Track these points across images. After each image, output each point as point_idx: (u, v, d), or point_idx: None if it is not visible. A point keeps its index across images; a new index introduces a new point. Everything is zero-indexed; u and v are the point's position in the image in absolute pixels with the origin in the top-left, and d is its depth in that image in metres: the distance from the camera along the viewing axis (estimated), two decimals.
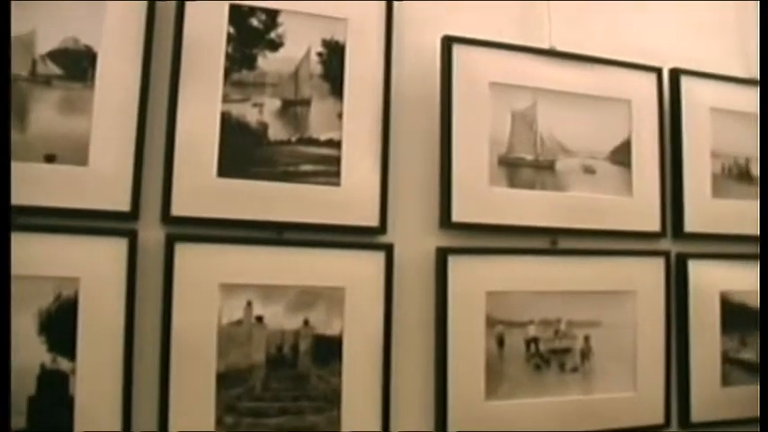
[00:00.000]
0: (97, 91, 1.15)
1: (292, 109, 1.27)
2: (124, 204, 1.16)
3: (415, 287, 1.36)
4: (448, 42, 1.38)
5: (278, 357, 1.26)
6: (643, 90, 1.56)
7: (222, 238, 1.22)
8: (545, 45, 1.49)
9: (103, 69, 1.16)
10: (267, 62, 1.26)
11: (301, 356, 1.27)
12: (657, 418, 1.53)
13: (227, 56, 1.24)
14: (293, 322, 1.26)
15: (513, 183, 1.42)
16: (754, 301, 1.62)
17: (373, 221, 1.31)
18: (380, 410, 1.31)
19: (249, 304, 1.24)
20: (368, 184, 1.30)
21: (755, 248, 1.63)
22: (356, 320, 1.30)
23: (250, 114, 1.25)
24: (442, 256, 1.35)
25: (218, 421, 1.21)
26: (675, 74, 1.60)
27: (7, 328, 0.91)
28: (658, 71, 1.58)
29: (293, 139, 1.27)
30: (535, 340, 1.42)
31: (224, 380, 1.22)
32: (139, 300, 1.18)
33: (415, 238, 1.36)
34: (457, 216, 1.35)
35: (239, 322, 1.23)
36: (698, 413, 1.56)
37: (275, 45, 1.27)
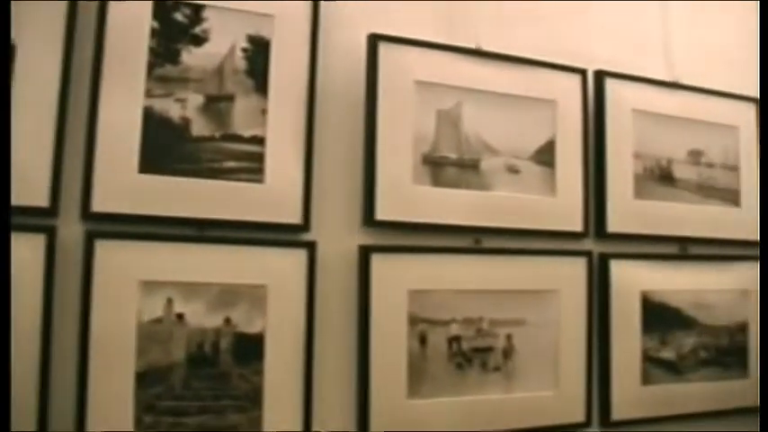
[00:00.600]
0: (16, 85, 1.38)
1: (216, 105, 1.54)
2: (43, 200, 1.40)
3: (338, 285, 1.65)
4: (374, 40, 1.69)
5: (199, 356, 1.52)
6: (568, 91, 1.91)
7: (143, 235, 1.48)
8: (471, 45, 1.82)
9: (23, 64, 1.39)
10: (191, 57, 1.53)
11: (222, 355, 1.54)
12: (578, 416, 1.88)
13: (151, 50, 1.49)
14: (214, 320, 1.53)
15: (437, 181, 1.74)
16: (675, 300, 2.01)
17: (296, 219, 1.59)
18: (302, 409, 1.58)
19: (170, 302, 1.50)
20: (291, 182, 1.59)
21: (676, 249, 2.02)
22: (278, 319, 1.58)
23: (173, 110, 1.51)
24: (365, 254, 1.65)
25: (137, 421, 1.46)
26: (600, 75, 1.96)
27: (7, 328, 1.10)
28: (583, 72, 1.94)
29: (216, 135, 1.54)
30: (457, 339, 1.75)
31: (143, 378, 1.47)
32: (58, 297, 1.41)
33: (338, 235, 1.66)
34: (380, 214, 1.65)
35: (159, 320, 1.49)
36: (618, 411, 1.93)
37: (200, 40, 1.54)
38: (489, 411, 1.77)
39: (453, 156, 1.76)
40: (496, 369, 1.78)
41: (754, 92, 2.22)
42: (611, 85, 1.96)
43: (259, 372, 1.55)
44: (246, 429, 1.53)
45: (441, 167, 1.74)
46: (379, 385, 1.65)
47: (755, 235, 2.16)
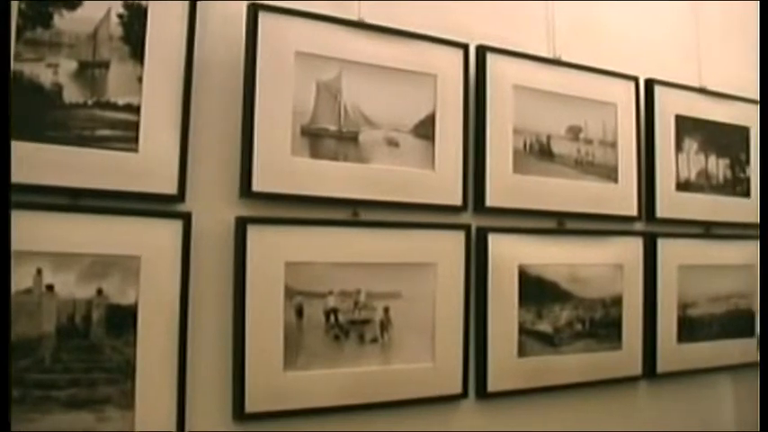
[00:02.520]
0: None
1: (90, 71, 1.75)
2: None
3: (214, 257, 1.90)
4: (254, 9, 1.93)
5: (69, 328, 1.72)
6: (449, 65, 2.22)
7: (13, 204, 1.67)
8: (354, 17, 2.09)
9: None
10: (64, 21, 1.73)
11: (94, 327, 1.74)
12: (455, 388, 2.21)
13: (21, 12, 1.67)
14: (86, 291, 1.74)
15: (315, 153, 2.01)
16: (551, 274, 2.38)
17: (171, 189, 1.82)
18: (176, 382, 1.81)
19: (39, 272, 1.70)
20: (167, 151, 1.82)
21: (553, 223, 2.39)
22: (152, 290, 1.80)
23: (44, 75, 1.70)
24: (242, 225, 1.91)
25: None
26: (481, 51, 2.28)
27: (7, 328, 1.25)
28: (465, 47, 2.25)
29: (90, 102, 1.75)
30: (334, 311, 2.04)
31: (11, 351, 1.66)
32: None
33: (214, 206, 1.90)
34: (257, 186, 1.91)
35: (28, 291, 1.68)
36: (494, 383, 2.28)
37: (73, 4, 1.73)
38: (366, 383, 2.06)
39: (332, 128, 2.04)
40: (374, 341, 2.08)
41: (633, 70, 2.61)
42: (492, 60, 2.29)
43: (131, 344, 1.77)
44: (118, 402, 1.75)
45: (319, 139, 2.01)
46: (256, 358, 1.91)
47: (632, 210, 2.58)
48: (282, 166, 1.94)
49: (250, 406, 1.90)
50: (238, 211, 1.92)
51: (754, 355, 2.33)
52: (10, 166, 1.47)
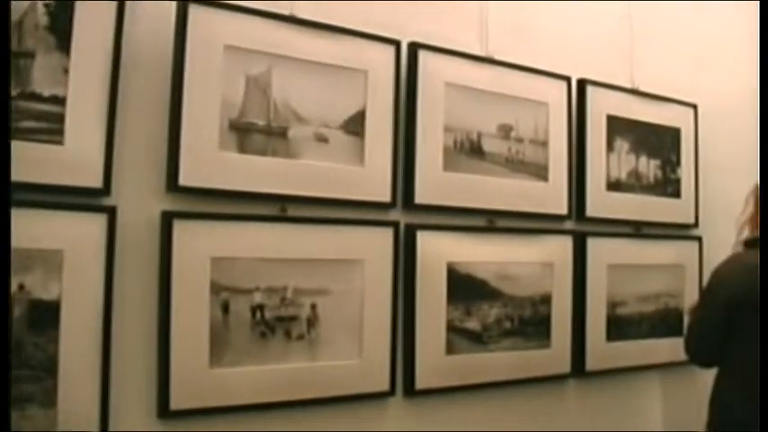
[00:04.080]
0: None
1: (14, 61, 1.82)
2: None
3: (139, 251, 1.99)
4: (184, 2, 2.01)
5: None
6: (380, 62, 2.34)
7: None
8: (285, 11, 2.20)
9: None
10: None
11: (15, 323, 1.80)
12: (383, 385, 2.34)
13: None
14: None
15: (243, 148, 2.11)
16: (480, 272, 2.53)
17: (97, 183, 1.90)
18: (100, 380, 1.89)
19: None
20: (93, 144, 1.90)
21: (483, 221, 2.54)
22: (75, 285, 1.87)
23: None
24: (168, 220, 2.00)
25: None
26: (413, 48, 2.42)
27: (7, 328, 1.29)
28: (397, 44, 2.38)
29: (14, 93, 1.82)
30: (261, 307, 2.15)
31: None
32: None
33: (140, 201, 1.99)
34: (184, 180, 2.00)
35: None
36: (422, 381, 2.42)
37: None
38: (293, 380, 2.17)
39: (261, 122, 2.14)
40: (300, 338, 2.20)
41: (566, 69, 2.78)
42: (424, 57, 2.42)
43: (54, 340, 1.84)
44: (40, 400, 1.81)
45: (248, 134, 2.12)
46: (181, 354, 2.00)
47: (562, 209, 2.74)
48: (210, 161, 2.04)
49: (175, 403, 1.99)
50: (164, 205, 2.01)
51: (682, 354, 2.52)
52: (10, 166, 1.56)
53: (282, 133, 2.16)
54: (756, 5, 3.27)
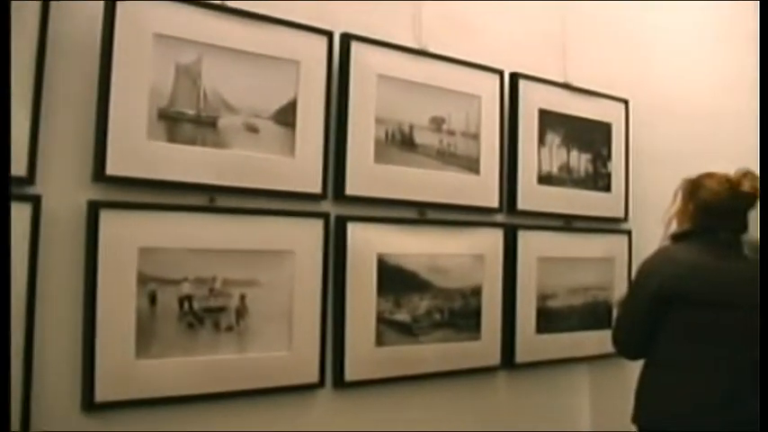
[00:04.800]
0: None
1: None
2: None
3: (64, 241, 2.00)
4: None
5: None
6: (313, 52, 2.39)
7: None
8: (216, 0, 2.24)
9: None
10: None
11: None
12: (312, 377, 2.39)
13: None
14: None
15: (172, 137, 2.13)
16: (410, 264, 2.60)
17: (21, 171, 1.90)
18: (22, 373, 1.89)
19: None
20: (17, 132, 1.87)
21: (414, 213, 2.61)
22: None
23: None
24: (94, 209, 2.02)
25: None
26: (346, 39, 2.47)
27: (7, 327, 1.28)
28: (329, 35, 2.43)
29: None
30: (189, 298, 2.18)
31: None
32: None
33: (66, 190, 2.00)
34: (111, 169, 2.02)
35: None
36: (352, 372, 2.48)
37: None
38: (222, 372, 2.22)
39: (191, 112, 2.18)
40: (229, 329, 2.24)
41: (499, 63, 2.86)
42: (357, 48, 2.47)
43: None
44: None
45: (177, 123, 2.15)
46: (107, 346, 2.03)
47: (493, 202, 2.83)
48: (138, 150, 2.07)
49: (100, 395, 2.01)
50: (91, 194, 2.03)
51: (611, 347, 2.61)
52: (9, 166, 1.59)
53: (212, 123, 2.20)
54: (686, 5, 3.39)
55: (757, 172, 2.44)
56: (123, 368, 2.06)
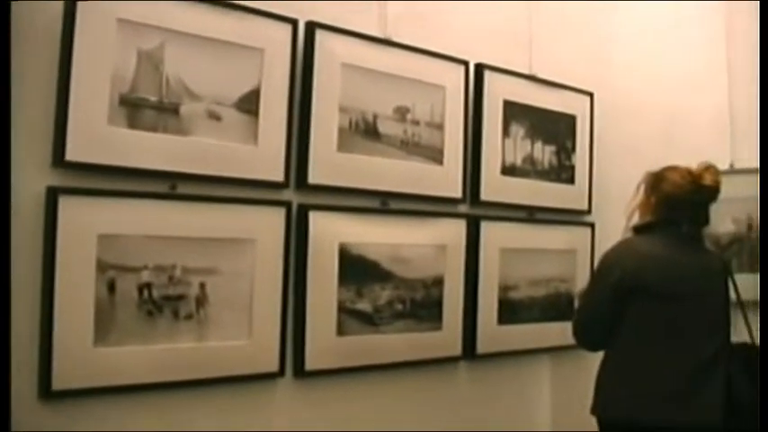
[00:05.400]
0: None
1: None
2: None
3: (22, 228, 2.00)
4: None
5: None
6: (277, 40, 2.41)
7: None
8: None
9: None
10: None
11: None
12: (272, 366, 2.43)
13: None
14: None
15: (133, 124, 2.15)
16: (372, 253, 2.64)
17: None
18: None
19: None
20: None
21: (377, 203, 2.65)
22: None
23: None
24: (53, 195, 2.02)
25: None
26: (311, 27, 2.49)
27: (7, 327, 1.27)
28: (294, 23, 2.45)
29: None
30: (148, 286, 2.20)
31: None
32: None
33: (24, 175, 2.00)
34: (71, 155, 2.03)
35: None
36: (312, 362, 2.51)
37: None
38: (181, 360, 2.24)
39: (153, 98, 2.19)
40: (189, 317, 2.26)
41: (464, 54, 2.91)
42: (321, 37, 2.50)
43: None
44: None
45: (139, 110, 2.17)
46: (65, 333, 2.04)
47: (456, 192, 2.87)
48: (98, 136, 2.09)
49: (57, 383, 2.03)
50: (50, 180, 2.04)
51: (572, 338, 2.64)
52: (10, 165, 1.63)
53: (174, 110, 2.22)
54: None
55: (719, 166, 2.48)
56: (81, 356, 2.08)
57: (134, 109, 2.15)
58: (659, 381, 2.33)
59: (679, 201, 2.43)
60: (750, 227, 3.06)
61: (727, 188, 2.51)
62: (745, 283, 2.62)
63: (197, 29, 2.26)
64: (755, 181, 2.95)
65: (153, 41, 2.19)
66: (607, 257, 2.51)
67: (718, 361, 2.35)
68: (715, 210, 2.51)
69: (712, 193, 2.42)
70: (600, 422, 2.43)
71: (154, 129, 2.18)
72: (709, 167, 2.43)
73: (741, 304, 2.50)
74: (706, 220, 2.49)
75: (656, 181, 2.50)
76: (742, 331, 2.47)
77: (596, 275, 2.55)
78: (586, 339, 2.55)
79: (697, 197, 2.43)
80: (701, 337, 2.36)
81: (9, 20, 1.62)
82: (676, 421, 2.28)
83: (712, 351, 2.35)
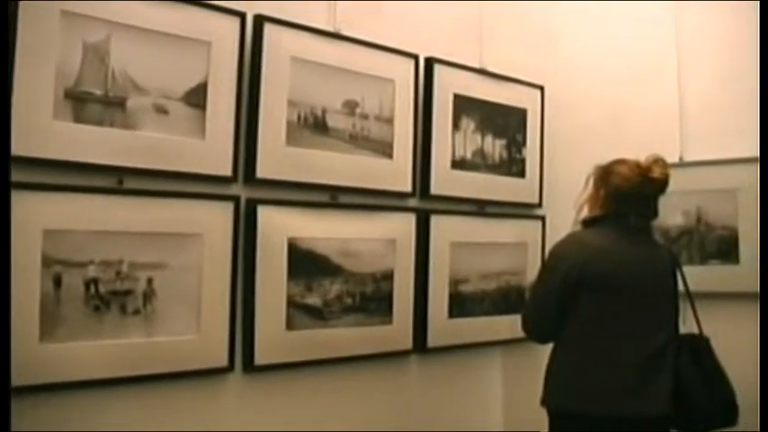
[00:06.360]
0: None
1: None
2: None
3: None
4: None
5: None
6: (225, 34, 2.45)
7: None
8: None
9: None
10: None
11: None
12: (221, 361, 2.48)
13: None
14: None
15: (79, 118, 2.18)
16: (321, 248, 2.70)
17: None
18: None
19: None
20: None
21: (325, 197, 2.72)
22: None
23: None
24: None
25: None
26: (259, 20, 2.53)
27: (7, 327, 1.28)
28: (242, 16, 2.49)
29: None
30: (95, 281, 2.23)
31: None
32: None
33: None
34: (16, 149, 2.02)
35: None
36: (262, 356, 2.56)
37: None
38: (129, 356, 2.28)
39: (98, 92, 2.23)
40: (136, 313, 2.31)
41: (414, 47, 2.97)
42: (270, 30, 2.55)
43: None
44: None
45: (84, 103, 2.20)
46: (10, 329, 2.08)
47: (406, 186, 2.94)
48: (43, 130, 2.12)
49: None
50: None
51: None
52: (9, 163, 1.66)
53: (121, 103, 2.26)
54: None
55: (668, 159, 2.54)
56: (27, 352, 2.10)
57: (80, 103, 2.19)
58: (608, 372, 2.39)
59: (628, 194, 2.48)
60: (699, 219, 3.15)
61: (677, 181, 2.58)
62: (695, 276, 2.70)
63: (144, 22, 2.29)
64: (705, 173, 3.07)
65: (99, 34, 2.22)
66: (556, 250, 2.57)
67: (667, 352, 2.42)
68: (664, 202, 2.58)
69: (661, 185, 2.48)
70: (550, 413, 2.49)
71: (100, 123, 2.22)
72: (658, 160, 2.48)
73: (690, 296, 2.57)
74: (655, 213, 2.55)
75: (604, 174, 2.55)
76: (691, 323, 2.55)
77: (545, 268, 2.61)
78: (536, 332, 2.61)
79: (646, 190, 2.48)
80: (649, 329, 2.43)
81: (9, 20, 1.68)
82: (625, 412, 2.35)
83: (661, 342, 2.42)
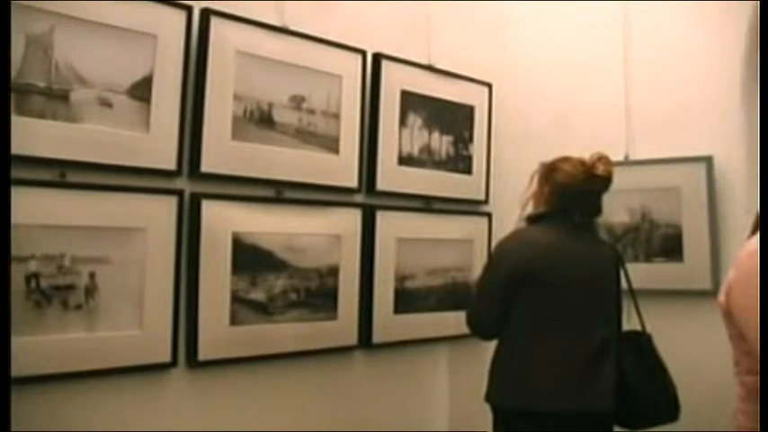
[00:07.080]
0: None
1: None
2: None
3: None
4: None
5: None
6: (170, 27, 2.48)
7: None
8: None
9: None
10: None
11: None
12: (164, 356, 2.51)
13: None
14: None
15: (21, 110, 2.19)
16: (266, 243, 2.75)
17: None
18: None
19: None
20: None
21: (271, 192, 2.76)
22: None
23: None
24: None
25: None
26: (205, 13, 2.57)
27: (7, 326, 1.27)
28: (188, 9, 2.52)
29: None
30: (36, 276, 2.24)
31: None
32: None
33: None
34: None
35: None
36: (206, 352, 2.60)
37: None
38: (70, 351, 2.31)
39: (41, 84, 2.25)
40: (78, 308, 2.33)
41: (362, 43, 3.02)
42: (216, 24, 2.59)
43: None
44: None
45: (26, 96, 2.22)
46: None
47: (352, 182, 3.00)
48: None
49: None
50: None
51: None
52: (9, 162, 1.69)
53: (64, 96, 2.28)
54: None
55: (614, 157, 2.63)
56: None
57: (22, 95, 2.21)
58: (551, 368, 2.46)
59: (572, 191, 2.56)
60: (644, 217, 3.25)
61: (622, 179, 2.69)
62: (639, 273, 2.80)
63: (89, 13, 2.32)
64: (650, 172, 3.18)
65: (42, 26, 2.24)
66: (500, 247, 2.64)
67: (610, 349, 2.50)
68: (610, 200, 2.67)
69: (605, 182, 2.56)
70: (494, 409, 2.56)
71: (42, 115, 2.24)
72: (602, 157, 2.55)
73: (632, 293, 2.65)
74: (598, 210, 2.63)
75: (549, 171, 2.63)
76: (633, 319, 2.63)
77: (489, 265, 2.67)
78: (480, 328, 2.67)
79: (589, 187, 2.56)
80: (592, 325, 2.51)
81: (9, 19, 1.71)
82: (568, 408, 2.42)
83: (604, 339, 2.49)
